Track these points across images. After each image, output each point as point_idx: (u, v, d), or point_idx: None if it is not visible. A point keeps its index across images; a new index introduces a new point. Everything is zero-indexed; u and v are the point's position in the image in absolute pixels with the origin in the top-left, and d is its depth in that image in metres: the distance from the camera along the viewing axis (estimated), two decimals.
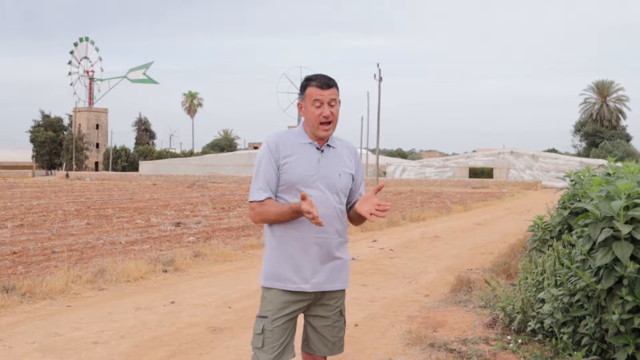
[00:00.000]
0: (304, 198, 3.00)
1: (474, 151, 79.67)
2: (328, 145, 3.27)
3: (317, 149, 3.24)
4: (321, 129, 3.20)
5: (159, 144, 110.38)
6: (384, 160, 72.19)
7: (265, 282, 3.27)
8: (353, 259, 10.90)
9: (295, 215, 3.12)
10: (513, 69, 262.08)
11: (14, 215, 18.34)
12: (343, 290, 3.39)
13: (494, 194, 39.24)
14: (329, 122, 3.19)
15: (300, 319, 3.41)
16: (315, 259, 3.22)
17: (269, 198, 3.19)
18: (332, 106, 3.20)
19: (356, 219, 3.36)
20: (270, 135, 3.28)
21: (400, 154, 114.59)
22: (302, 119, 3.33)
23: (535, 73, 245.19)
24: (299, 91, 3.33)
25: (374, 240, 13.76)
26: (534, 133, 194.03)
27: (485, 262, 10.52)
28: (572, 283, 5.09)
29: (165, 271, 9.18)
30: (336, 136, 3.37)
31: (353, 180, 3.34)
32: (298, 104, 3.31)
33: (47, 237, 13.35)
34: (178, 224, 16.50)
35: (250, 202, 3.24)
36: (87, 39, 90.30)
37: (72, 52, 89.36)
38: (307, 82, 3.22)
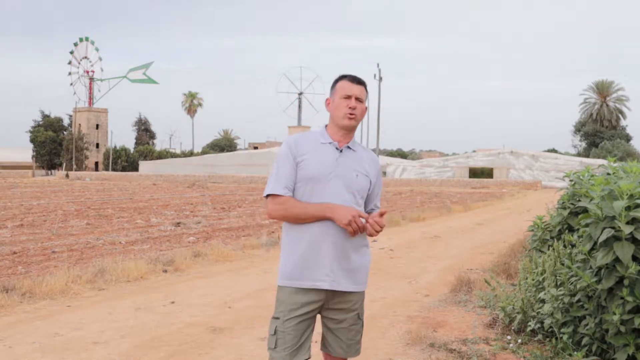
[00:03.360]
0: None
1: (474, 151, 79.66)
2: (348, 147, 3.36)
3: (337, 148, 3.34)
4: (346, 118, 3.32)
5: (159, 144, 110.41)
6: (384, 160, 72.16)
7: (280, 280, 3.33)
8: None
9: (320, 217, 3.22)
10: (513, 69, 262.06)
11: (14, 215, 18.34)
12: (360, 293, 3.41)
13: (494, 194, 39.23)
14: (355, 115, 3.33)
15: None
16: (329, 258, 3.25)
17: (289, 196, 3.27)
18: (359, 102, 3.35)
19: None
20: (291, 135, 3.41)
21: (400, 154, 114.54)
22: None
23: (535, 73, 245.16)
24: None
25: (374, 240, 13.75)
26: (534, 133, 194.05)
27: (485, 262, 10.52)
28: (572, 283, 5.08)
29: (165, 271, 9.18)
30: (362, 144, 3.49)
31: (370, 184, 3.40)
32: (326, 100, 3.45)
33: (47, 237, 13.34)
34: (178, 224, 16.50)
35: (265, 196, 3.32)
36: (87, 39, 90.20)
37: (72, 52, 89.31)
38: (340, 78, 3.41)
